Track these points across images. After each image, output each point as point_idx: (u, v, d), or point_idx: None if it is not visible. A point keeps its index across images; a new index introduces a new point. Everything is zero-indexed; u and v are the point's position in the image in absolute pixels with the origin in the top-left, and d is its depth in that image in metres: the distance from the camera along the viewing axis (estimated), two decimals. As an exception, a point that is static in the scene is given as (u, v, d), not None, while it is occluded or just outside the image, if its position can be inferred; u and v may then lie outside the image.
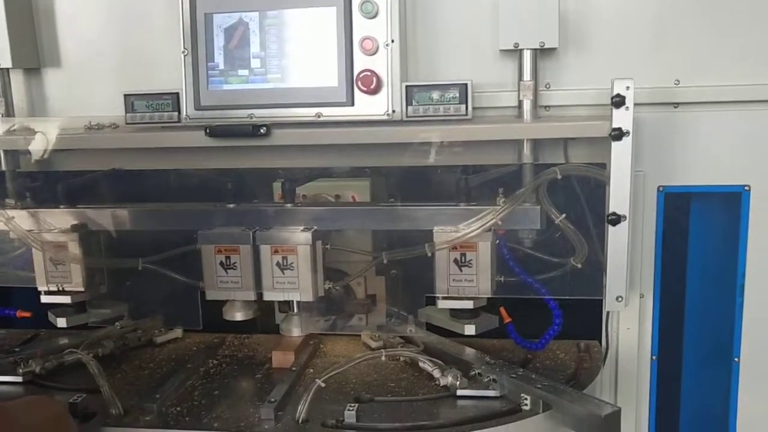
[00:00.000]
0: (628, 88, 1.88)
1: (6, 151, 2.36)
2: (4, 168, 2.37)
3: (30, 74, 2.41)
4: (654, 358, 2.29)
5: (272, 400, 1.91)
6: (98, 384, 1.96)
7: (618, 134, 1.90)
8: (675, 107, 2.13)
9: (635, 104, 1.89)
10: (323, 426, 1.83)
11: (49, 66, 2.39)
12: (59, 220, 2.31)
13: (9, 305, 2.47)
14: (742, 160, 2.14)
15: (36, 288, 2.32)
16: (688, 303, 2.40)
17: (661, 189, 2.18)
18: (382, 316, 2.35)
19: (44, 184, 2.39)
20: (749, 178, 2.15)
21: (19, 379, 2.13)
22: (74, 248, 2.27)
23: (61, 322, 2.33)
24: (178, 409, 1.95)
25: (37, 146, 2.27)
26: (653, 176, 2.16)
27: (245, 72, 2.13)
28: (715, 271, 2.33)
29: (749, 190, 2.15)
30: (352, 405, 1.86)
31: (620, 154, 1.91)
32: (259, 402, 1.94)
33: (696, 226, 2.35)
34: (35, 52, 2.37)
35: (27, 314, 2.44)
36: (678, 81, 2.12)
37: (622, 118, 1.90)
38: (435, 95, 2.06)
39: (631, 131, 1.89)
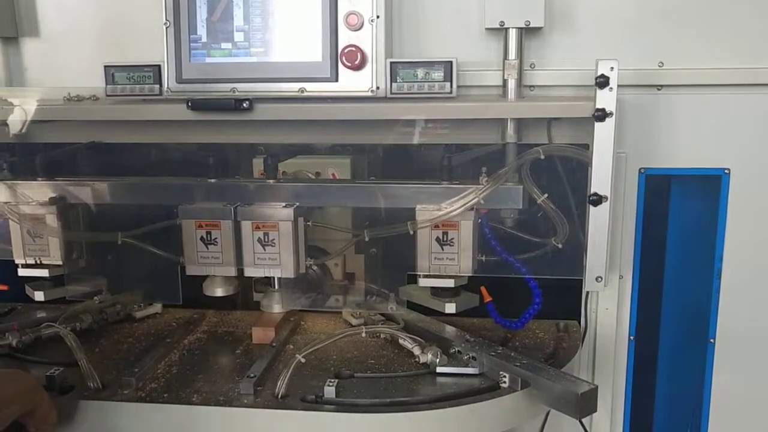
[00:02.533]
0: (612, 68, 1.88)
1: (-17, 122, 2.31)
2: (-20, 139, 2.33)
3: (8, 43, 2.36)
4: (632, 338, 2.31)
5: (252, 375, 1.91)
6: (76, 357, 1.94)
7: (601, 115, 1.90)
8: (658, 89, 2.14)
9: (619, 86, 1.89)
10: (302, 401, 1.82)
11: (28, 35, 2.35)
12: (37, 192, 2.27)
13: (-15, 278, 2.44)
14: (723, 143, 2.16)
15: (13, 261, 2.29)
16: (666, 284, 2.42)
17: (642, 171, 2.19)
18: (361, 294, 2.35)
19: (22, 155, 2.35)
20: (729, 161, 2.17)
21: (-5, 351, 2.10)
22: (52, 221, 2.24)
23: (39, 296, 2.30)
24: (157, 383, 1.94)
25: (15, 117, 2.24)
26: (635, 158, 2.17)
27: (228, 45, 2.11)
28: (693, 254, 2.36)
29: (729, 173, 2.17)
30: (332, 381, 1.85)
31: (603, 134, 1.92)
32: (239, 377, 1.94)
33: (676, 209, 2.37)
34: (13, 20, 2.32)
35: (4, 287, 2.41)
36: (662, 63, 2.13)
37: (605, 99, 1.90)
38: (420, 72, 2.05)
39: (614, 112, 1.90)
